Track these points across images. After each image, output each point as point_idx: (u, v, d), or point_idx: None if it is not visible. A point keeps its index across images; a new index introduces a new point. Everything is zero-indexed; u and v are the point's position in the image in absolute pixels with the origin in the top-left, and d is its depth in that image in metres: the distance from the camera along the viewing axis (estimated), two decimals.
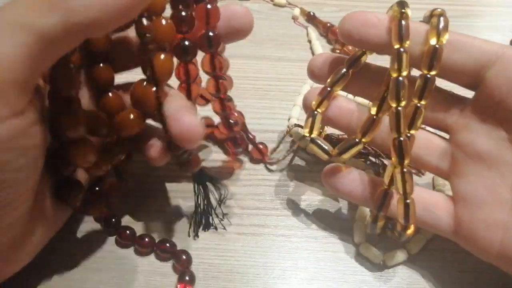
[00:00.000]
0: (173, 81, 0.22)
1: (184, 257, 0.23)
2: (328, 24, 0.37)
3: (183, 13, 0.21)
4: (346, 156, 0.22)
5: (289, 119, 0.30)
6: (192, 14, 0.21)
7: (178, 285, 0.22)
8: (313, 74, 0.24)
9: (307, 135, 0.23)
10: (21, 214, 0.18)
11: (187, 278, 0.22)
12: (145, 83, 0.21)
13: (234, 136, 0.26)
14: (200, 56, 0.23)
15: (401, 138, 0.20)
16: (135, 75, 0.22)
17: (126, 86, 0.23)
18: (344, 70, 0.22)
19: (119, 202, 0.25)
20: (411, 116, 0.21)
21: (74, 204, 0.21)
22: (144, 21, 0.20)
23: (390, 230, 0.23)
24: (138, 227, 0.24)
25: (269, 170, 0.28)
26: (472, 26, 0.38)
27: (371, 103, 0.22)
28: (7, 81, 0.15)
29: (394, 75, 0.20)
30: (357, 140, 0.22)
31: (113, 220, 0.24)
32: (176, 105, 0.21)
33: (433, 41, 0.20)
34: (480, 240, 0.21)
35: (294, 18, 0.39)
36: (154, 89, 0.20)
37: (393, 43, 0.20)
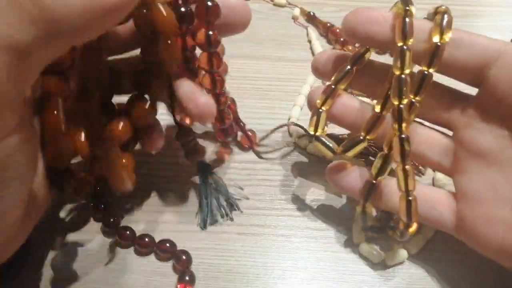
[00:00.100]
0: None
1: (184, 257, 0.23)
2: (328, 24, 0.37)
3: (183, 9, 0.21)
4: (350, 153, 0.22)
5: (289, 119, 0.30)
6: (191, 11, 0.21)
7: (178, 285, 0.22)
8: (317, 71, 0.24)
9: (312, 132, 0.23)
10: (14, 221, 0.17)
11: (187, 278, 0.22)
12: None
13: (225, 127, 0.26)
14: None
15: (403, 136, 0.20)
16: None
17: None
18: (348, 67, 0.22)
19: (118, 202, 0.25)
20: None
21: (68, 192, 0.21)
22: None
23: (391, 230, 0.23)
24: (138, 227, 0.25)
25: (259, 157, 0.28)
26: (472, 26, 0.38)
27: (375, 100, 0.22)
28: None
29: (397, 72, 0.20)
30: (361, 137, 0.22)
31: (113, 220, 0.24)
32: (188, 89, 0.22)
33: (436, 39, 0.20)
34: (481, 236, 0.21)
35: (294, 18, 0.39)
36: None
37: (397, 41, 0.20)
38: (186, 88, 0.22)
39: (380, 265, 0.24)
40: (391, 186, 0.22)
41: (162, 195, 0.26)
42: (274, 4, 0.40)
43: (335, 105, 0.23)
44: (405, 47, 0.20)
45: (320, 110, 0.23)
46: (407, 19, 0.20)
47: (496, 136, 0.21)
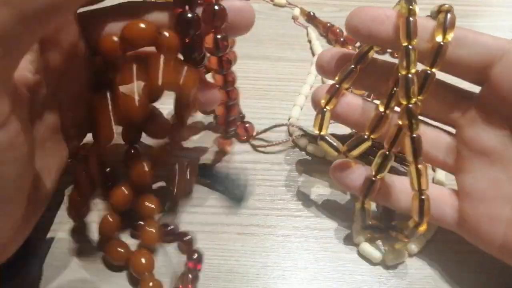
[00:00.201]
0: None
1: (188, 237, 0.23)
2: (328, 24, 0.37)
3: (189, 15, 0.20)
4: (355, 152, 0.22)
5: (289, 119, 0.30)
6: (198, 16, 0.20)
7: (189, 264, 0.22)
8: (321, 69, 0.24)
9: (316, 132, 0.23)
10: (14, 221, 0.17)
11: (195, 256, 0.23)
12: None
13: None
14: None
15: (414, 135, 0.21)
16: None
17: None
18: (352, 66, 0.22)
19: None
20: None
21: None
22: None
23: (394, 230, 0.23)
24: None
25: (256, 150, 0.29)
26: (472, 26, 0.38)
27: (379, 100, 0.22)
28: None
29: (403, 72, 0.20)
30: (365, 136, 0.22)
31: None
32: None
33: (439, 38, 0.20)
34: (483, 233, 0.21)
35: (294, 18, 0.39)
36: None
37: (402, 41, 0.20)
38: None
39: (380, 265, 0.24)
40: (399, 185, 0.23)
41: (162, 195, 0.26)
42: (274, 4, 0.40)
43: (340, 104, 0.23)
44: (410, 46, 0.20)
45: (325, 109, 0.23)
46: (411, 19, 0.20)
47: (499, 135, 0.21)
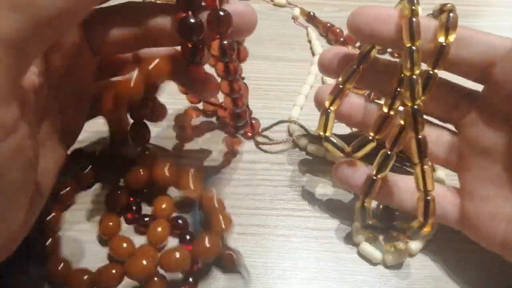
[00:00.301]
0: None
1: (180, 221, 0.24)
2: (328, 24, 0.37)
3: (192, 20, 0.19)
4: (360, 153, 0.22)
5: (289, 119, 0.30)
6: (201, 21, 0.20)
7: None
8: (323, 68, 0.24)
9: (320, 133, 0.23)
10: (17, 224, 0.17)
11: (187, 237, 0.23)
12: None
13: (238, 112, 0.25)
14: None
15: (420, 137, 0.21)
16: None
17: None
18: (355, 66, 0.22)
19: None
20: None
21: None
22: None
23: (395, 230, 0.23)
24: None
25: (258, 147, 0.29)
26: (472, 26, 0.37)
27: (383, 99, 0.22)
28: None
29: (407, 73, 0.20)
30: (370, 137, 0.22)
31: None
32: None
33: (441, 39, 0.20)
34: (484, 231, 0.21)
35: (294, 18, 0.39)
36: None
37: (405, 42, 0.20)
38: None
39: (380, 265, 0.24)
40: (403, 185, 0.23)
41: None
42: (274, 4, 0.40)
43: (343, 104, 0.23)
44: (413, 47, 0.20)
45: (329, 110, 0.23)
46: (414, 19, 0.20)
47: (500, 134, 0.21)
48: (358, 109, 0.23)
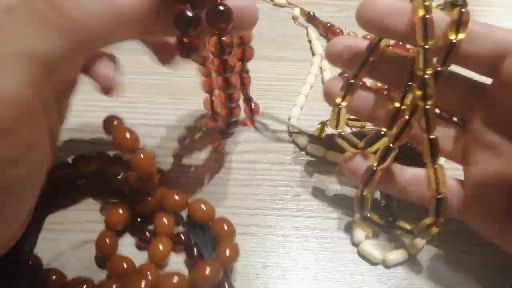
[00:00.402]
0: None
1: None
2: (328, 24, 0.37)
3: (189, 14, 0.18)
4: (373, 148, 0.23)
5: (289, 119, 0.30)
6: (199, 15, 0.19)
7: None
8: (331, 57, 0.24)
9: (335, 129, 0.23)
10: (22, 221, 0.18)
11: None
12: None
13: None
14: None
15: (432, 137, 0.21)
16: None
17: None
18: (364, 59, 0.22)
19: None
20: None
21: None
22: None
23: (398, 229, 0.23)
24: None
25: (256, 129, 0.29)
26: None
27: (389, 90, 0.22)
28: (14, 120, 0.14)
29: (420, 73, 0.20)
30: (382, 132, 0.22)
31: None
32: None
33: (452, 37, 0.20)
34: (486, 223, 0.21)
35: (294, 18, 0.39)
36: None
37: (418, 41, 0.20)
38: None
39: (380, 265, 0.24)
40: (411, 177, 0.23)
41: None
42: (274, 4, 0.40)
43: (354, 99, 0.23)
44: (427, 46, 0.20)
45: (340, 106, 0.23)
46: (427, 17, 0.19)
47: (505, 128, 0.21)
48: (367, 103, 0.23)
